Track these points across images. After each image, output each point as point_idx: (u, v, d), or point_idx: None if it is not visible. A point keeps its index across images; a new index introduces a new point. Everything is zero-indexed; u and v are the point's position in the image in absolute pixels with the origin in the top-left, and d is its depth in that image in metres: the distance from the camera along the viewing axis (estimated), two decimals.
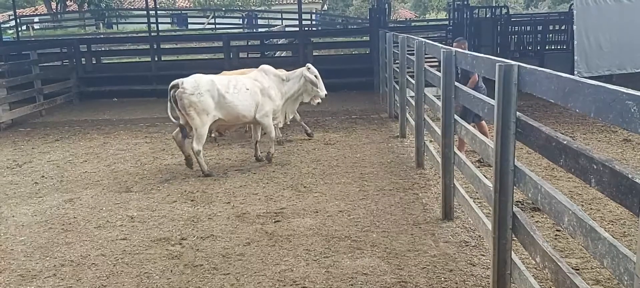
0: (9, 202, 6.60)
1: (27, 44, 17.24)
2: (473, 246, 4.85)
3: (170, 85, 7.24)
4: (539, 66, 3.45)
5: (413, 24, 31.26)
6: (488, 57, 4.22)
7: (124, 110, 12.96)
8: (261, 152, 7.97)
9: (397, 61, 9.50)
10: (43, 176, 7.72)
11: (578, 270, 4.24)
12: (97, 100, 14.18)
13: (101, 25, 35.60)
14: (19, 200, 6.66)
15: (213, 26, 33.46)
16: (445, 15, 33.17)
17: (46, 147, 9.55)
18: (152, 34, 16.39)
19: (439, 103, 5.57)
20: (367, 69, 13.33)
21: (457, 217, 5.49)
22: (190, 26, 35.24)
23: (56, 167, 8.17)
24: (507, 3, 34.20)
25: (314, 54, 14.13)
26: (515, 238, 3.60)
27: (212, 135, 8.77)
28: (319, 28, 32.30)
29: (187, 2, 40.37)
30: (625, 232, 4.99)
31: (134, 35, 26.11)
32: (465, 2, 15.98)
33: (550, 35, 16.45)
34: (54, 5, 37.30)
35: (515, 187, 3.50)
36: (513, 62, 3.50)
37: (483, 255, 4.64)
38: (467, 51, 7.52)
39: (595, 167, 2.42)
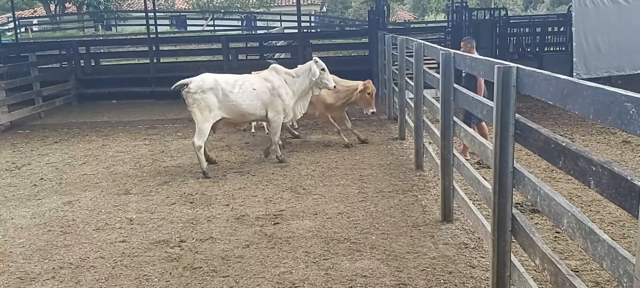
0: (7, 205, 6.59)
1: (26, 46, 17.21)
2: (472, 248, 4.85)
3: (179, 83, 7.49)
4: (538, 68, 3.45)
5: (412, 25, 31.24)
6: (487, 59, 4.23)
7: (123, 112, 12.95)
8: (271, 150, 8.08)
9: (396, 63, 9.51)
10: (42, 178, 7.71)
11: (577, 272, 4.24)
12: (96, 102, 14.17)
13: (100, 27, 35.57)
14: (17, 203, 6.65)
15: (212, 28, 33.47)
16: (444, 17, 33.21)
17: (45, 149, 9.54)
18: (151, 35, 16.38)
19: (438, 105, 5.57)
20: (366, 71, 13.30)
21: (457, 219, 5.49)
22: (189, 28, 35.22)
23: (55, 169, 8.16)
24: (506, 5, 34.25)
25: (313, 55, 14.12)
26: (514, 240, 3.60)
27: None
28: (318, 30, 32.31)
29: (186, 4, 40.38)
30: (624, 233, 5.00)
31: (133, 37, 26.10)
32: (464, 4, 16.00)
33: (549, 37, 16.47)
34: (52, 7, 37.28)
35: (514, 189, 3.50)
36: (512, 64, 3.50)
37: (482, 257, 4.64)
38: (474, 51, 7.59)
39: (594, 168, 2.42)
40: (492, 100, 3.59)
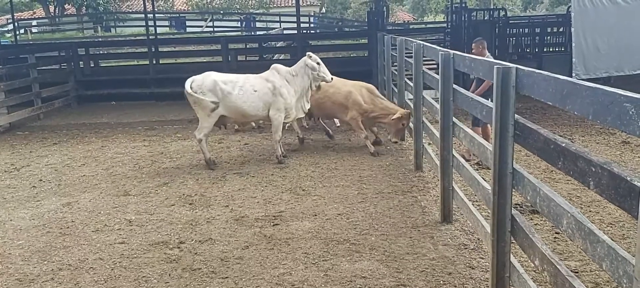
0: (6, 206, 6.58)
1: (25, 48, 17.20)
2: (472, 249, 4.84)
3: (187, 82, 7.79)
4: (537, 68, 3.44)
5: (411, 26, 31.23)
6: (486, 60, 4.23)
7: (122, 113, 12.94)
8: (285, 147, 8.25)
9: (395, 64, 9.51)
10: (41, 180, 7.70)
11: (577, 273, 4.24)
12: (95, 104, 14.16)
13: (99, 28, 35.55)
14: (16, 204, 6.64)
15: (211, 29, 33.46)
16: (444, 18, 33.23)
17: (44, 151, 9.53)
18: (150, 37, 16.37)
19: (437, 105, 5.57)
20: (366, 72, 13.29)
21: (456, 220, 5.49)
22: (188, 29, 35.22)
23: (54, 171, 8.15)
24: (505, 5, 34.27)
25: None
26: (514, 241, 3.60)
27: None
28: (317, 31, 32.31)
29: (185, 5, 40.36)
30: (624, 234, 4.99)
31: (132, 38, 26.10)
32: (464, 5, 16.00)
33: (548, 37, 16.48)
34: (52, 8, 37.27)
35: (514, 190, 3.50)
36: (511, 65, 3.50)
37: (482, 258, 4.63)
38: (486, 51, 7.58)
39: (593, 169, 2.42)
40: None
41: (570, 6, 11.43)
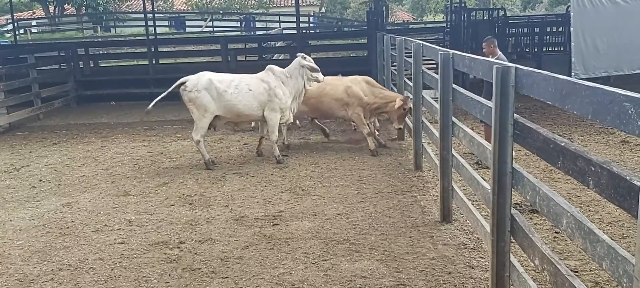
0: (6, 206, 6.58)
1: (25, 48, 17.21)
2: (472, 249, 4.84)
3: (178, 83, 7.79)
4: (537, 68, 3.45)
5: (411, 26, 31.21)
6: (485, 60, 4.23)
7: (121, 113, 12.94)
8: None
9: (394, 64, 9.51)
10: (41, 180, 7.70)
11: (577, 272, 4.24)
12: (95, 104, 14.17)
13: (99, 28, 35.53)
14: (16, 204, 6.64)
15: (211, 29, 33.45)
16: (443, 18, 33.21)
17: (44, 151, 9.53)
18: (150, 37, 16.37)
19: (437, 105, 5.57)
20: (365, 72, 13.26)
21: (456, 220, 5.49)
22: (188, 29, 35.21)
23: (54, 171, 8.15)
24: (504, 5, 34.26)
25: (312, 56, 14.11)
26: (513, 241, 3.60)
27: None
28: (317, 31, 32.30)
29: (184, 5, 40.35)
30: (624, 233, 5.00)
31: (132, 38, 26.09)
32: (463, 5, 15.99)
33: (548, 37, 16.47)
34: (51, 8, 37.26)
35: (513, 190, 3.50)
36: (510, 64, 3.50)
37: (482, 257, 4.64)
38: (497, 50, 7.57)
39: (593, 169, 2.42)
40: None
41: (570, 6, 11.43)
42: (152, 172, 7.88)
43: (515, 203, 4.78)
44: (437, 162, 5.68)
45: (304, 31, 24.27)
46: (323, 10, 42.24)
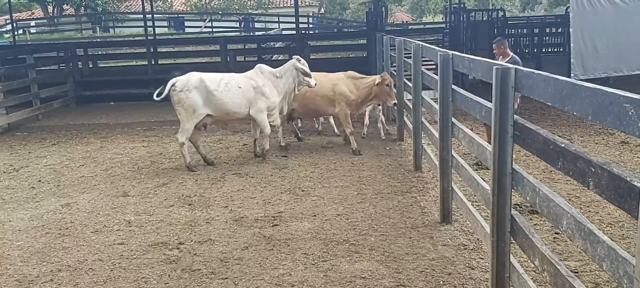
0: (5, 207, 6.57)
1: (24, 48, 17.19)
2: (471, 249, 4.84)
3: (169, 84, 7.76)
4: (536, 69, 3.45)
5: (410, 27, 31.23)
6: (485, 60, 4.23)
7: (121, 114, 12.93)
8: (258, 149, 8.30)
9: (394, 64, 9.51)
10: (40, 180, 7.69)
11: (577, 273, 4.24)
12: (94, 104, 14.16)
13: (98, 29, 35.52)
14: (15, 205, 6.63)
15: (210, 29, 33.44)
16: (442, 19, 33.20)
17: (43, 152, 9.52)
18: (149, 37, 16.36)
19: (436, 106, 5.57)
20: (364, 72, 13.29)
21: (456, 220, 5.49)
22: (187, 30, 35.20)
23: (53, 172, 8.14)
24: (504, 6, 34.28)
25: (311, 57, 14.15)
26: (513, 242, 3.60)
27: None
28: (316, 31, 32.30)
29: (183, 5, 40.34)
30: (624, 234, 5.00)
31: (131, 38, 26.07)
32: (462, 5, 16.00)
33: (547, 38, 16.49)
34: (50, 9, 37.24)
35: (513, 190, 3.50)
36: (510, 65, 3.50)
37: (482, 258, 4.63)
38: (508, 51, 7.57)
39: (593, 170, 2.42)
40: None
41: (569, 7, 11.43)
42: (151, 172, 7.87)
43: (515, 204, 4.78)
44: (437, 163, 5.68)
45: (303, 32, 24.26)
46: (322, 10, 42.25)
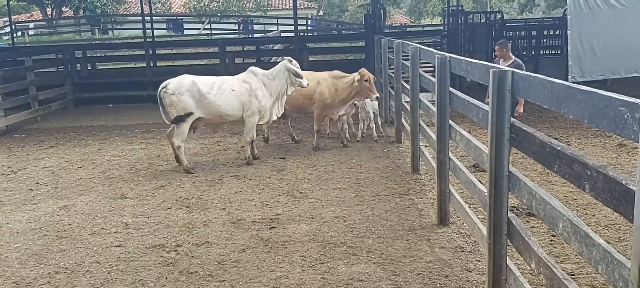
0: (3, 209, 6.56)
1: (22, 50, 17.20)
2: (468, 252, 4.85)
3: (160, 87, 7.80)
4: (534, 71, 3.47)
5: (408, 29, 31.28)
6: (482, 63, 4.24)
7: (119, 116, 12.93)
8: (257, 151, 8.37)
9: (392, 66, 9.52)
10: (38, 183, 7.68)
11: (573, 275, 4.25)
12: (93, 106, 14.16)
13: (96, 31, 35.50)
14: (13, 207, 6.63)
15: (209, 32, 33.45)
16: (440, 21, 33.24)
17: (41, 154, 9.51)
18: (148, 39, 16.37)
19: (434, 108, 5.58)
20: None
21: (453, 223, 5.49)
22: (185, 32, 35.21)
23: (51, 174, 8.13)
24: (502, 8, 34.33)
25: (310, 59, 14.16)
26: (510, 244, 3.61)
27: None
28: (315, 33, 32.32)
29: (182, 8, 40.36)
30: (620, 237, 5.01)
31: (130, 41, 26.08)
32: (460, 8, 16.02)
33: (545, 40, 16.51)
34: (49, 11, 37.23)
35: (510, 193, 3.51)
36: (507, 68, 3.51)
37: (478, 260, 4.64)
38: (510, 53, 7.58)
39: (589, 173, 2.42)
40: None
41: (567, 9, 11.46)
42: (149, 174, 7.87)
43: (512, 207, 4.78)
44: (434, 165, 5.69)
45: (301, 34, 24.29)
46: (321, 13, 42.30)
